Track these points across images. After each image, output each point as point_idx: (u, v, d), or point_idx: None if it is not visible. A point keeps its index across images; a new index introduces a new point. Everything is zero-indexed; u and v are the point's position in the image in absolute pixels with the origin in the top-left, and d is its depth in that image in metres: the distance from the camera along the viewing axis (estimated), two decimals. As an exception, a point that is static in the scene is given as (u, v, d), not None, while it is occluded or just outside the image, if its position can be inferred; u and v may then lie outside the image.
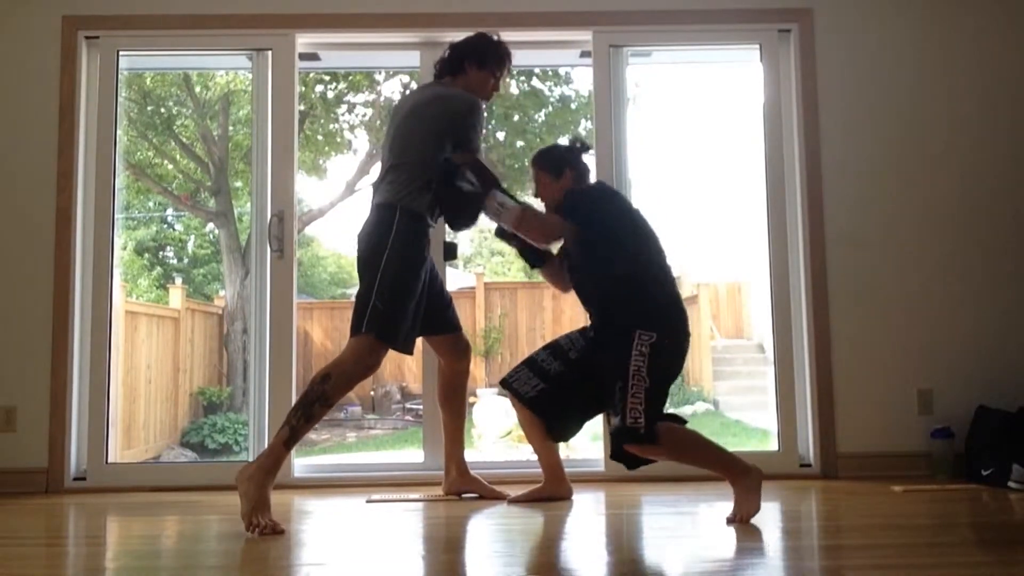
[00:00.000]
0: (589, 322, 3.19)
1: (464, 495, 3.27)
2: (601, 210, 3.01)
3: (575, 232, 3.01)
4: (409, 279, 2.91)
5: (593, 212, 3.01)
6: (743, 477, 2.79)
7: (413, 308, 2.93)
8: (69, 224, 3.73)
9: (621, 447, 2.81)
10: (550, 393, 3.11)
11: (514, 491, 3.23)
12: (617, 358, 2.83)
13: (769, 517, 2.87)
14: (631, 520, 3.00)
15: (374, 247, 2.92)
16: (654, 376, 2.81)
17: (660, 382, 2.84)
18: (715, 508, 3.09)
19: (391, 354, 2.95)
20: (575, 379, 3.11)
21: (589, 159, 3.24)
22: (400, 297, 2.89)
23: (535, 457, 3.29)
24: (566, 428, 3.20)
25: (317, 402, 2.79)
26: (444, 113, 3.03)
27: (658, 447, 2.78)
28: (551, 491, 3.21)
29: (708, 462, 2.87)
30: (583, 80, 9.31)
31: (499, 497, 3.22)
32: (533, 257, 3.21)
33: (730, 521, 2.72)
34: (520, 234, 3.03)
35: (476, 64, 3.15)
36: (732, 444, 6.62)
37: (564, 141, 3.42)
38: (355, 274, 3.07)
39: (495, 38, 3.23)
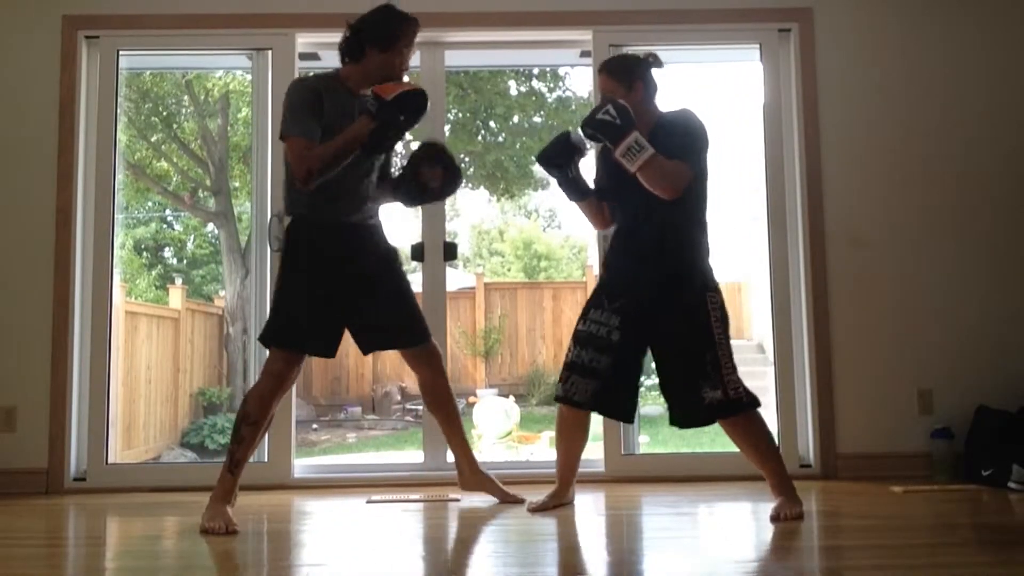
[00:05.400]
0: (606, 278, 2.99)
1: (456, 496, 3.23)
2: (703, 152, 2.83)
3: (691, 178, 2.78)
4: (294, 283, 2.86)
5: (702, 153, 2.82)
6: (791, 492, 2.80)
7: (310, 310, 2.84)
8: (69, 224, 3.72)
9: (714, 419, 2.78)
10: (607, 389, 2.89)
11: (514, 491, 3.21)
12: (695, 326, 2.76)
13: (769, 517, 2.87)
14: (631, 520, 3.00)
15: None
16: (727, 335, 2.79)
17: (729, 340, 2.82)
18: (714, 509, 3.09)
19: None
20: (627, 361, 2.90)
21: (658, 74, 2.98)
22: (282, 302, 2.86)
23: (535, 458, 3.27)
24: (632, 409, 3.02)
25: (242, 422, 2.79)
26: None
27: (753, 415, 2.78)
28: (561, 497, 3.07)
29: (768, 461, 2.84)
30: (582, 80, 9.33)
31: (514, 501, 3.09)
32: (574, 191, 2.99)
33: (774, 519, 2.72)
34: (641, 177, 2.74)
35: (378, 48, 2.86)
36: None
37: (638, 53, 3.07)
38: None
39: (398, 10, 2.89)
